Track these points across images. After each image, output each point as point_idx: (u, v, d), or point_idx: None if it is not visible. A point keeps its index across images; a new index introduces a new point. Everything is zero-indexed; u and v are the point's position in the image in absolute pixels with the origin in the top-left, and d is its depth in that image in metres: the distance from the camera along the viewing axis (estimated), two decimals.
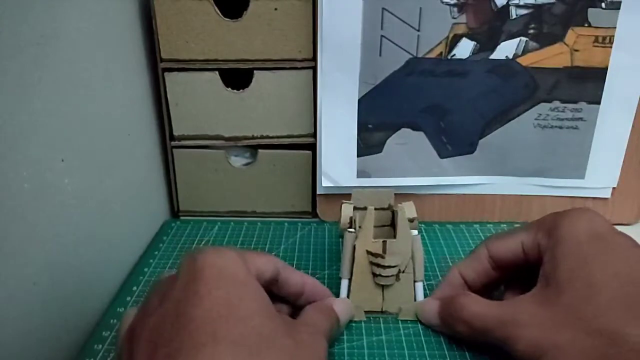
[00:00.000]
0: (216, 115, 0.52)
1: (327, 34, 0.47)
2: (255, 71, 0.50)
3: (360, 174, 0.52)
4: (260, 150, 0.53)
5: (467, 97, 0.49)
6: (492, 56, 0.48)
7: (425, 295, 0.39)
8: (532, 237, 0.34)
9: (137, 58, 0.49)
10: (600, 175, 0.52)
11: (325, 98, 0.49)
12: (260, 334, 0.26)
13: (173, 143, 0.53)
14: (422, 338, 0.37)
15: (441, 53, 0.48)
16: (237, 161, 0.55)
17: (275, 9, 0.48)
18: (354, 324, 0.38)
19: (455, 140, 0.51)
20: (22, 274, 0.32)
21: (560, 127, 0.50)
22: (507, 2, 0.46)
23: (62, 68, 0.36)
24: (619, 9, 0.46)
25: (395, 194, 0.41)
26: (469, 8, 0.46)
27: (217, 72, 0.50)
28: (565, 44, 0.47)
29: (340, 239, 0.43)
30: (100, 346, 0.37)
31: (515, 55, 0.48)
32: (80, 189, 0.38)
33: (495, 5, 0.46)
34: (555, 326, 0.29)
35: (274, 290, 0.34)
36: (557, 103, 0.49)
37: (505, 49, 0.48)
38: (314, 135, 0.52)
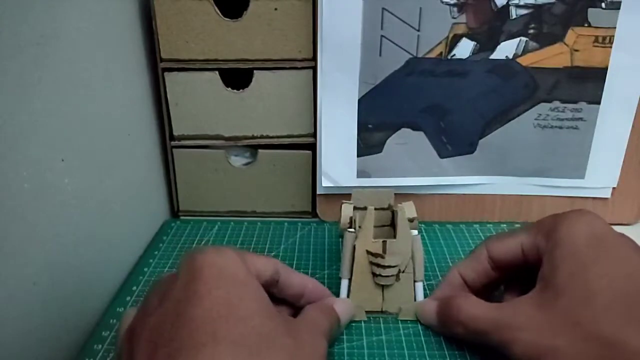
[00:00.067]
0: (216, 115, 0.52)
1: (327, 34, 0.47)
2: (255, 71, 0.50)
3: (360, 174, 0.52)
4: (260, 150, 0.54)
5: (467, 97, 0.49)
6: (492, 56, 0.48)
7: (425, 295, 0.39)
8: (531, 238, 0.34)
9: (137, 58, 0.49)
10: (600, 175, 0.52)
11: (325, 98, 0.49)
12: (260, 333, 0.26)
13: (173, 143, 0.53)
14: (422, 338, 0.37)
15: (441, 53, 0.48)
16: (237, 161, 0.55)
17: (275, 9, 0.48)
18: (354, 324, 0.38)
19: (455, 140, 0.51)
20: (22, 274, 0.32)
21: (560, 127, 0.50)
22: (507, 2, 0.46)
23: (62, 68, 0.36)
24: (619, 9, 0.46)
25: (395, 194, 0.41)
26: (469, 8, 0.46)
27: (217, 72, 0.50)
28: (565, 44, 0.47)
29: (340, 239, 0.43)
30: (100, 346, 0.37)
31: (515, 55, 0.48)
32: (80, 189, 0.38)
33: (495, 5, 0.46)
34: (552, 330, 0.29)
35: (274, 292, 0.34)
36: (557, 103, 0.49)
37: (505, 49, 0.48)
38: (314, 135, 0.52)
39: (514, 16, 0.47)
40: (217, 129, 0.52)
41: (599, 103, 0.49)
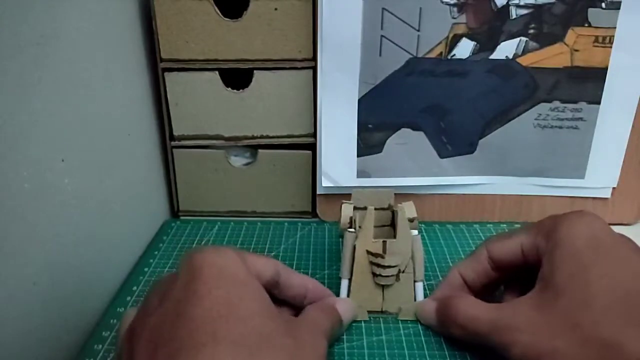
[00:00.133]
0: (216, 115, 0.52)
1: (327, 34, 0.47)
2: (255, 71, 0.50)
3: (360, 174, 0.52)
4: (260, 150, 0.54)
5: (467, 97, 0.49)
6: (492, 56, 0.48)
7: (425, 295, 0.39)
8: (531, 239, 0.34)
9: (137, 58, 0.49)
10: (600, 175, 0.52)
11: (325, 98, 0.49)
12: (260, 333, 0.26)
13: (173, 143, 0.53)
14: (422, 338, 0.37)
15: (441, 53, 0.48)
16: (237, 161, 0.55)
17: (275, 9, 0.48)
18: (354, 324, 0.38)
19: (455, 140, 0.51)
20: (22, 274, 0.32)
21: (560, 127, 0.50)
22: (507, 2, 0.46)
23: (62, 68, 0.36)
24: (619, 9, 0.46)
25: (395, 194, 0.41)
26: (469, 8, 0.46)
27: (217, 72, 0.50)
28: (565, 44, 0.47)
29: (340, 239, 0.43)
30: (100, 346, 0.37)
31: (515, 55, 0.48)
32: (80, 189, 0.38)
33: (495, 5, 0.46)
34: (551, 332, 0.29)
35: (275, 293, 0.34)
36: (557, 103, 0.49)
37: (505, 49, 0.48)
38: (314, 135, 0.52)
39: (514, 16, 0.47)
40: (217, 129, 0.52)
41: (599, 103, 0.49)
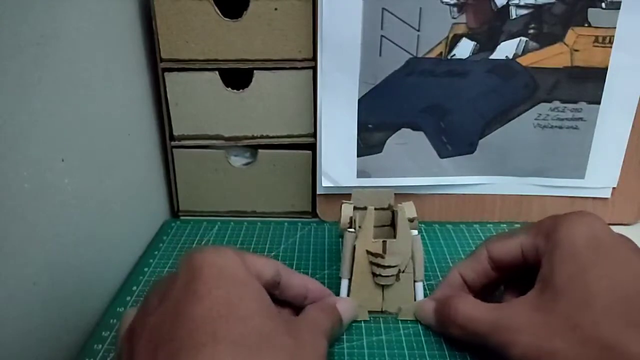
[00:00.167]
0: (216, 115, 0.52)
1: (327, 34, 0.47)
2: (255, 71, 0.50)
3: (360, 174, 0.52)
4: (260, 150, 0.54)
5: (467, 97, 0.49)
6: (492, 56, 0.48)
7: (425, 295, 0.39)
8: (531, 239, 0.34)
9: (137, 58, 0.49)
10: (600, 175, 0.52)
11: (325, 98, 0.49)
12: (260, 333, 0.26)
13: (173, 143, 0.53)
14: (422, 338, 0.37)
15: (441, 53, 0.48)
16: (237, 161, 0.55)
17: (275, 9, 0.48)
18: (354, 324, 0.38)
19: (455, 140, 0.51)
20: (22, 274, 0.32)
21: (560, 127, 0.50)
22: (507, 2, 0.46)
23: (62, 68, 0.36)
24: (619, 9, 0.46)
25: (395, 194, 0.41)
26: (469, 8, 0.46)
27: (217, 72, 0.50)
28: (565, 44, 0.47)
29: (340, 239, 0.43)
30: (100, 346, 0.37)
31: (515, 55, 0.48)
32: (80, 189, 0.38)
33: (495, 5, 0.46)
34: (551, 333, 0.29)
35: (276, 294, 0.34)
36: (557, 103, 0.49)
37: (505, 49, 0.48)
38: (314, 135, 0.52)
39: (514, 16, 0.47)
40: (217, 129, 0.52)
41: (599, 103, 0.49)
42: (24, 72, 0.32)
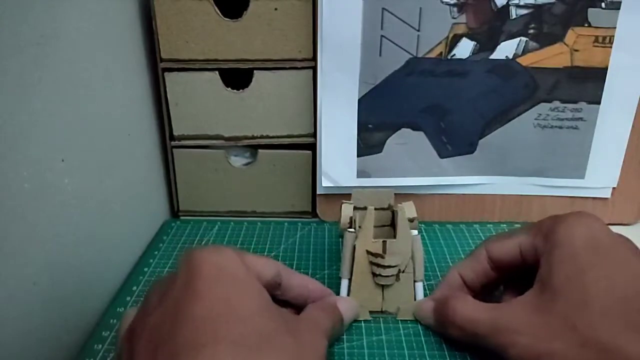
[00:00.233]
0: (216, 115, 0.52)
1: (327, 34, 0.47)
2: (255, 71, 0.50)
3: (360, 174, 0.52)
4: (260, 150, 0.54)
5: (467, 97, 0.49)
6: (492, 56, 0.48)
7: (425, 295, 0.39)
8: (530, 240, 0.34)
9: (137, 58, 0.49)
10: (600, 175, 0.52)
11: (325, 98, 0.49)
12: (260, 333, 0.26)
13: (173, 143, 0.53)
14: (422, 338, 0.37)
15: (441, 53, 0.48)
16: (237, 161, 0.55)
17: (275, 9, 0.48)
18: (354, 324, 0.38)
19: (455, 140, 0.51)
20: (22, 274, 0.32)
21: (560, 127, 0.50)
22: (507, 2, 0.46)
23: (62, 68, 0.36)
24: (619, 9, 0.46)
25: (395, 194, 0.41)
26: (469, 8, 0.46)
27: (217, 72, 0.50)
28: (565, 44, 0.47)
29: (340, 239, 0.43)
30: (100, 346, 0.37)
31: (515, 55, 0.48)
32: (80, 189, 0.38)
33: (495, 5, 0.46)
34: (549, 334, 0.29)
35: (277, 294, 0.34)
36: (557, 103, 0.49)
37: (505, 49, 0.48)
38: (314, 135, 0.52)
39: (514, 16, 0.47)
40: (217, 129, 0.52)
41: (599, 103, 0.49)
42: (24, 72, 0.32)
